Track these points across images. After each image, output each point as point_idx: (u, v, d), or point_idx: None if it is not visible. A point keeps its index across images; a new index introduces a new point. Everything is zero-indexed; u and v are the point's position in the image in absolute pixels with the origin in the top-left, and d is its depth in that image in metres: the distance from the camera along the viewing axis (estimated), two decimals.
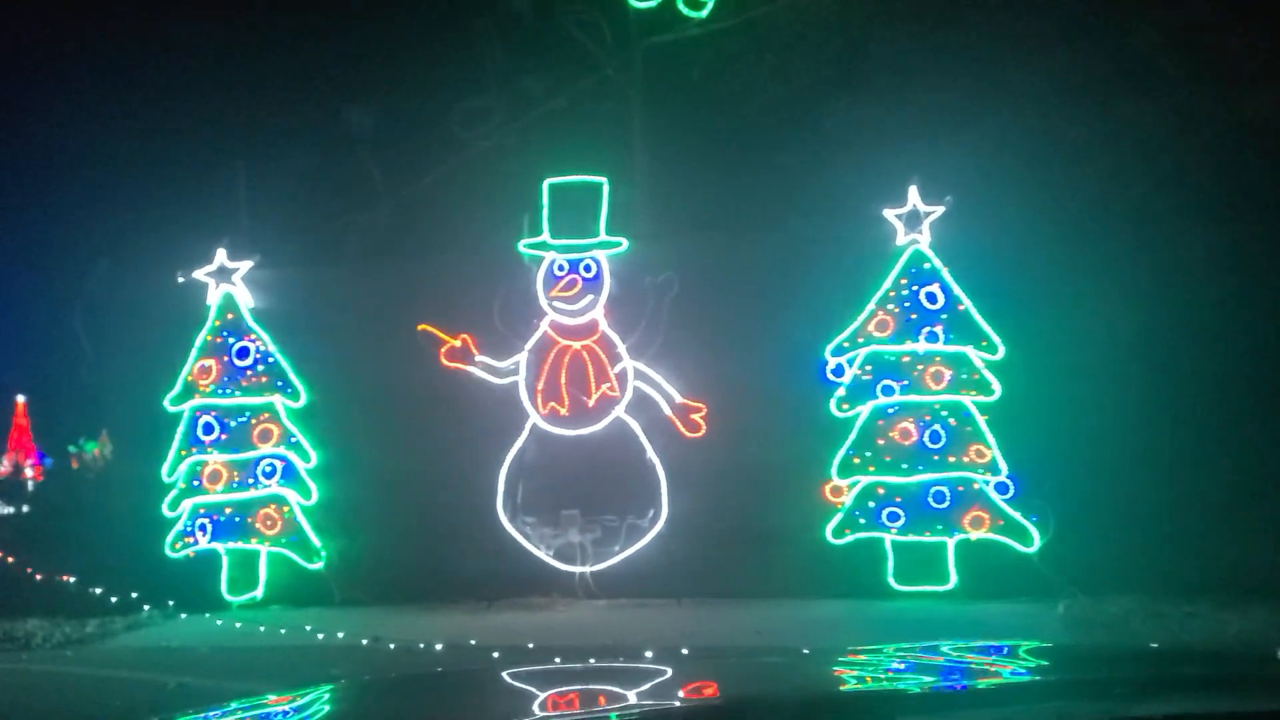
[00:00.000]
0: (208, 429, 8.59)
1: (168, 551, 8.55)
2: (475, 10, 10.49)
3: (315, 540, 8.55)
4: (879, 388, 7.95)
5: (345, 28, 10.95)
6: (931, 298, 8.01)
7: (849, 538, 7.95)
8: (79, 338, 9.66)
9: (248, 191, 10.03)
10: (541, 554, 8.35)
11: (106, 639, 7.61)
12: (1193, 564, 7.17)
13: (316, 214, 10.15)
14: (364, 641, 6.84)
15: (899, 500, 7.88)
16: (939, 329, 7.94)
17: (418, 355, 8.46)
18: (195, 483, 8.60)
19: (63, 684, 5.96)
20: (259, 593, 8.57)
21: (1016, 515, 7.76)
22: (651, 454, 8.34)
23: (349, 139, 10.62)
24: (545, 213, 8.45)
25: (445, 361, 8.46)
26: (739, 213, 9.17)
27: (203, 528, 8.54)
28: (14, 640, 7.35)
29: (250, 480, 8.56)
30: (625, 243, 8.48)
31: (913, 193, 8.14)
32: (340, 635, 7.17)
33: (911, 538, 7.87)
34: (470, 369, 8.47)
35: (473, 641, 6.73)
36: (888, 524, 7.88)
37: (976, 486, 7.84)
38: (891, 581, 7.90)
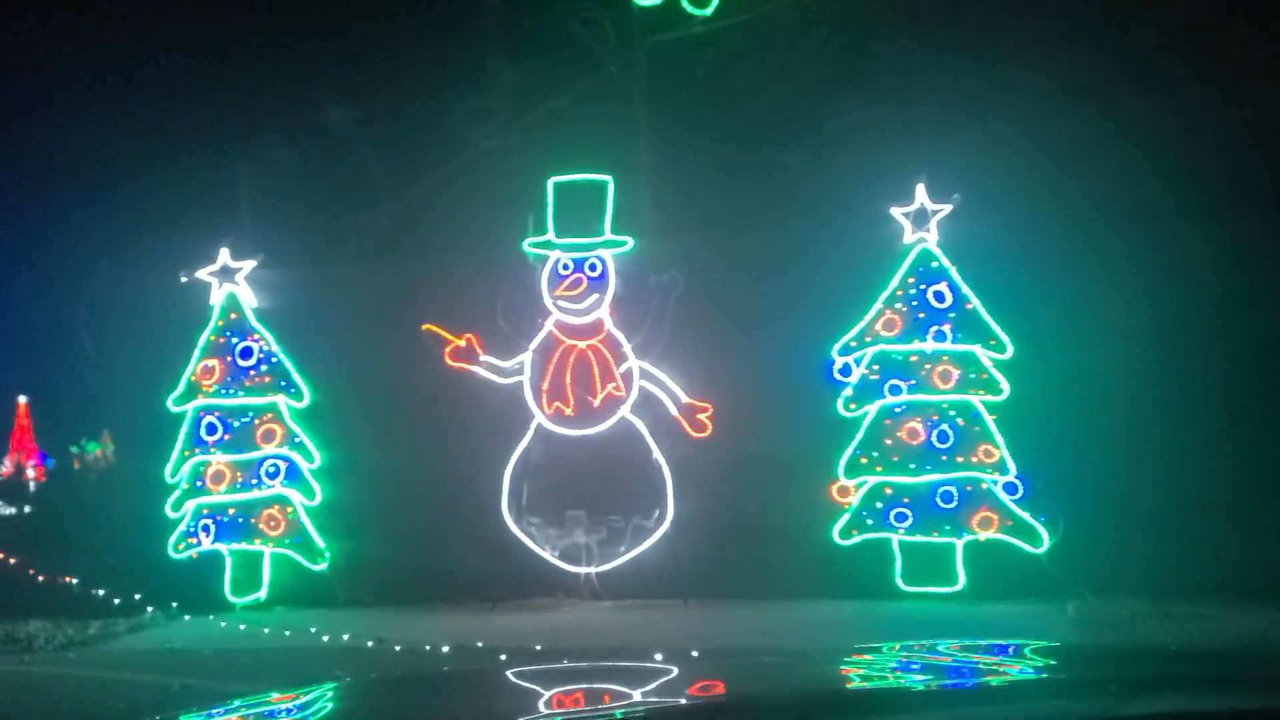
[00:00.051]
0: (211, 429, 8.57)
1: (171, 552, 8.52)
2: (477, 9, 10.45)
3: (319, 541, 8.52)
4: (886, 387, 7.92)
5: (347, 27, 10.90)
6: (939, 296, 7.97)
7: (856, 538, 7.92)
8: (81, 338, 9.62)
9: (250, 191, 9.98)
10: (546, 555, 8.32)
11: (109, 641, 7.58)
12: (1203, 565, 7.14)
13: (320, 213, 10.10)
14: (369, 643, 6.81)
15: (907, 500, 7.85)
16: (947, 328, 7.91)
17: (422, 355, 8.43)
18: (198, 483, 8.57)
19: (65, 686, 5.95)
20: (262, 594, 8.54)
21: (1025, 515, 7.73)
22: (657, 454, 8.31)
23: (351, 138, 10.57)
24: (550, 211, 8.42)
25: (450, 361, 8.43)
26: (745, 211, 9.12)
27: (206, 528, 8.51)
28: (16, 642, 7.32)
29: (254, 481, 8.53)
30: (630, 241, 8.45)
31: (920, 191, 8.12)
32: (345, 637, 7.15)
33: (919, 538, 7.84)
34: (475, 369, 8.44)
35: (479, 644, 6.69)
36: (895, 524, 7.85)
37: (985, 486, 7.81)
38: (899, 582, 7.87)
